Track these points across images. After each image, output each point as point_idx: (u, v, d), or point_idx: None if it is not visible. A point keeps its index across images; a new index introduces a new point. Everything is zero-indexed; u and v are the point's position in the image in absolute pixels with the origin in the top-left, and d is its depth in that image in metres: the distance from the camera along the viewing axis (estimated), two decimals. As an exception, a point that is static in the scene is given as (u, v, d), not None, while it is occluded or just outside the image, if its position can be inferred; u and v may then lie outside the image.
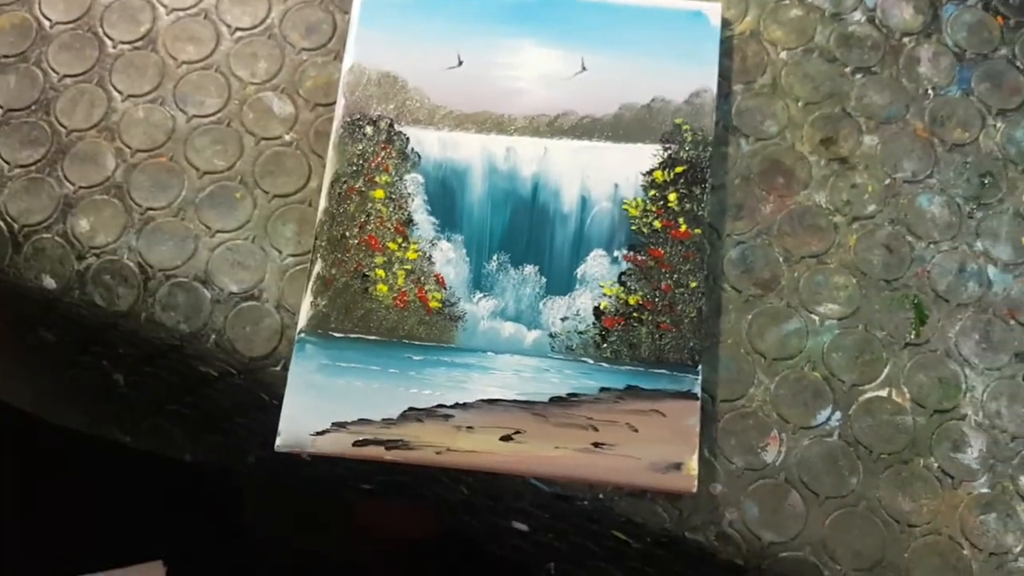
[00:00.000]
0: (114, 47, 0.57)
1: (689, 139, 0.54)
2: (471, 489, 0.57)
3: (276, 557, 0.91)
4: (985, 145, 0.56)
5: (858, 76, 0.57)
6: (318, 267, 0.52)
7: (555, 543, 0.59)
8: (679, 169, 0.53)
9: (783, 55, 0.58)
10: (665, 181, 0.53)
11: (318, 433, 0.49)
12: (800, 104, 0.57)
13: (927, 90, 0.57)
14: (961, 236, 0.54)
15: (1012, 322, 0.53)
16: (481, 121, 0.55)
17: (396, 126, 0.54)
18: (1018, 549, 0.49)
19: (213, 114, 0.56)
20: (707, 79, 0.55)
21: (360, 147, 0.54)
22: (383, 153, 0.54)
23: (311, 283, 0.52)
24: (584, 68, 0.55)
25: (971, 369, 0.52)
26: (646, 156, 0.54)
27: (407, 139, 0.54)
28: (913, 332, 0.53)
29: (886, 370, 0.52)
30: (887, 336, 0.52)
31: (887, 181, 0.55)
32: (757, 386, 0.52)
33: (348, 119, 0.54)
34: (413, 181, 0.54)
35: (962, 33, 0.58)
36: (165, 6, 0.58)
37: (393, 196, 0.53)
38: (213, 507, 0.92)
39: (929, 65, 0.58)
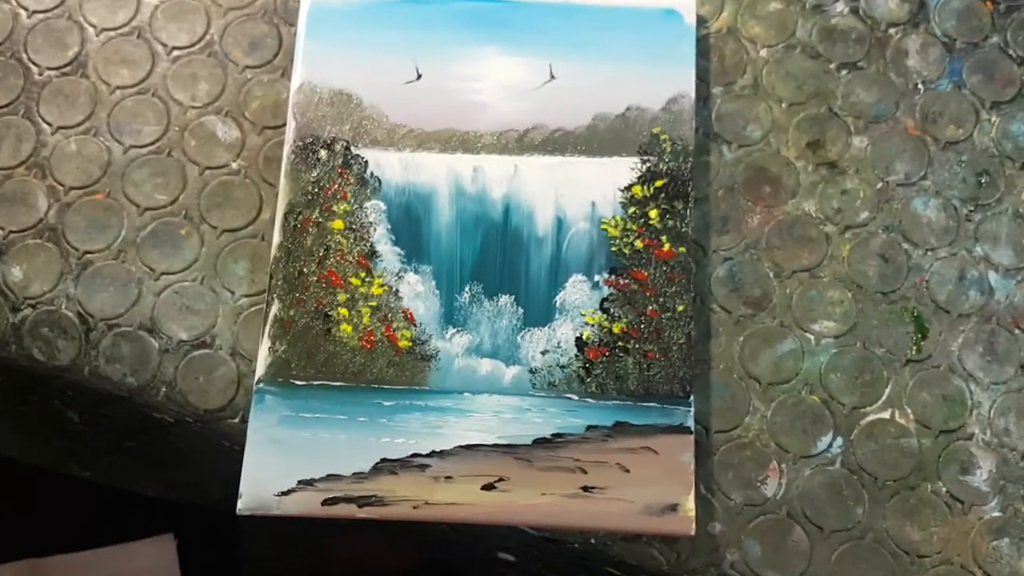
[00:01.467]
0: (40, 74, 0.52)
1: (668, 149, 0.50)
2: (452, 527, 0.53)
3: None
4: (980, 141, 0.53)
5: (843, 72, 0.54)
6: (275, 308, 0.48)
7: (545, 572, 0.56)
8: (659, 183, 0.50)
9: (763, 53, 0.54)
10: (645, 196, 0.50)
11: (283, 493, 0.45)
12: (784, 105, 0.53)
13: (917, 84, 0.54)
14: (959, 241, 0.51)
15: (1017, 331, 0.50)
16: (445, 139, 0.51)
17: (353, 148, 0.50)
18: (1034, 575, 0.46)
19: (152, 143, 0.51)
20: (684, 83, 0.51)
21: (315, 173, 0.50)
22: (340, 179, 0.50)
23: (268, 326, 0.47)
24: (553, 76, 0.51)
25: (976, 384, 0.49)
26: (623, 170, 0.50)
27: (365, 163, 0.50)
28: (914, 347, 0.49)
29: (887, 390, 0.49)
30: (887, 353, 0.49)
31: (879, 185, 0.52)
32: (753, 414, 0.48)
33: (300, 143, 0.50)
34: (374, 209, 0.49)
35: (951, 21, 0.55)
36: (94, 26, 0.53)
37: (353, 226, 0.49)
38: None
39: (918, 57, 0.54)
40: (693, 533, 0.45)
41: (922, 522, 0.47)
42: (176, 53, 0.53)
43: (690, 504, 0.45)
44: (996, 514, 0.47)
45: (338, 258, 0.49)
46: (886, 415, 0.48)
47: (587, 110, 0.51)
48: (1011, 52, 0.54)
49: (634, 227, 0.49)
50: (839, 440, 0.48)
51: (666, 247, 0.49)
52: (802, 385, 0.49)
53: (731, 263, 0.51)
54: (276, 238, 0.49)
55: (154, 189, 0.51)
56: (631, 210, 0.49)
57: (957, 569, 0.47)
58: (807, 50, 0.54)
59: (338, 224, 0.49)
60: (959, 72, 0.54)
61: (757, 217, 0.51)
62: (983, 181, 0.52)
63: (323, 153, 0.50)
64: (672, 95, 0.51)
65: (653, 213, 0.49)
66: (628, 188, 0.50)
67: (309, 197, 0.49)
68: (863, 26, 0.54)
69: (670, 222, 0.49)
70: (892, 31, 0.54)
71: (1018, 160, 0.52)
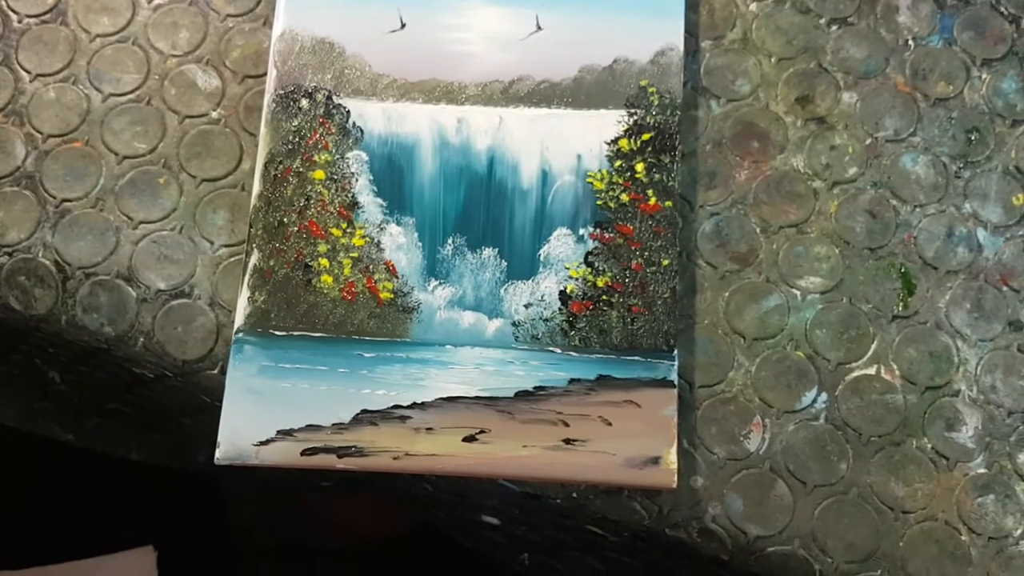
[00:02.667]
0: (19, 21, 0.52)
1: (656, 103, 0.49)
2: (435, 487, 0.53)
3: (263, 544, 0.87)
4: (970, 99, 0.52)
5: (834, 28, 0.53)
6: (255, 258, 0.47)
7: (528, 535, 0.56)
8: (646, 136, 0.49)
9: (753, 7, 0.53)
10: (632, 150, 0.49)
11: (262, 443, 0.44)
12: (773, 60, 0.52)
13: (907, 40, 0.53)
14: (948, 198, 0.51)
15: (1005, 288, 0.49)
16: (429, 90, 0.50)
17: (335, 98, 0.49)
18: (1018, 532, 0.46)
19: (131, 92, 0.50)
20: (673, 36, 0.50)
21: (296, 123, 0.49)
22: (322, 129, 0.49)
23: (247, 276, 0.47)
24: (539, 27, 0.50)
25: (963, 341, 0.49)
26: (610, 123, 0.49)
27: (348, 112, 0.49)
28: (901, 304, 0.49)
29: (873, 346, 0.48)
30: (873, 309, 0.49)
31: (868, 141, 0.51)
32: (737, 369, 0.48)
33: (281, 92, 0.49)
34: (356, 159, 0.49)
35: (943, -22, 0.54)
36: (74, -27, 0.52)
37: (335, 177, 0.48)
38: (201, 491, 0.88)
39: (909, 13, 0.53)
40: (675, 486, 0.44)
41: (907, 478, 0.47)
42: (157, 1, 0.52)
43: (672, 457, 0.44)
44: (981, 471, 0.47)
45: (319, 208, 0.48)
46: (871, 371, 0.48)
47: (574, 62, 0.50)
48: (1002, 9, 0.54)
49: (620, 180, 0.48)
50: (823, 395, 0.48)
51: (652, 201, 0.48)
52: (787, 341, 0.48)
53: (718, 218, 0.50)
54: (256, 187, 0.48)
55: (133, 138, 0.50)
56: (617, 163, 0.49)
57: (941, 525, 0.46)
58: (797, 4, 0.53)
59: (319, 174, 0.48)
60: (950, 29, 0.53)
61: (745, 172, 0.51)
62: (973, 138, 0.52)
63: (304, 102, 0.49)
64: (660, 47, 0.50)
65: (639, 167, 0.49)
66: (615, 141, 0.49)
67: (290, 147, 0.48)
68: (854, -19, 0.54)
69: (656, 176, 0.49)
70: (883, -13, 0.54)
71: (1008, 118, 0.52)
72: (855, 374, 0.48)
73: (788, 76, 0.52)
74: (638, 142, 0.49)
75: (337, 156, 0.49)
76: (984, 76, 0.53)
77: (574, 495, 0.47)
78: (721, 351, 0.48)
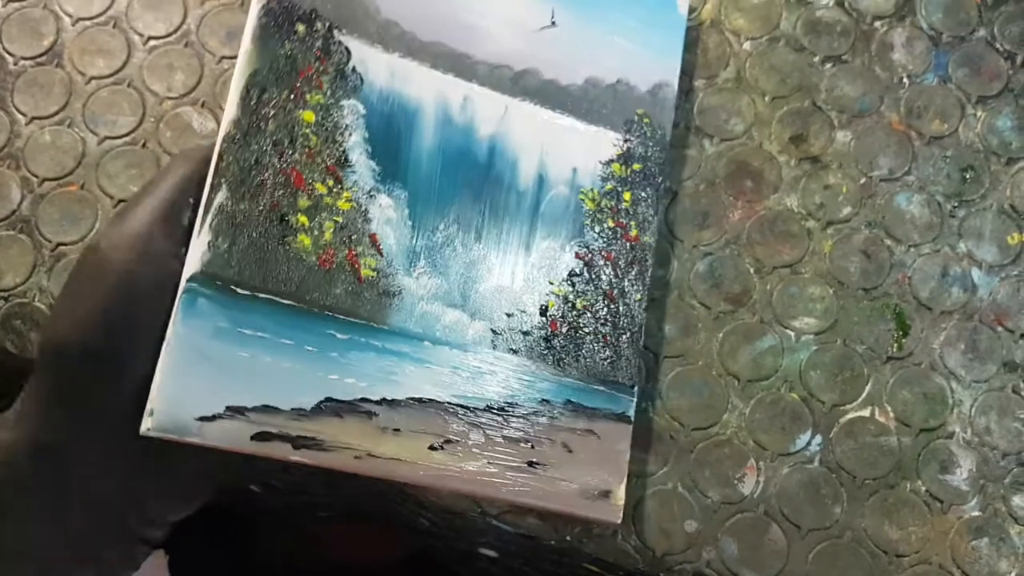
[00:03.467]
0: (15, 63, 0.52)
1: (649, 135, 0.49)
2: (431, 522, 0.53)
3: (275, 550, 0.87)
4: (965, 136, 0.52)
5: (828, 66, 0.53)
6: (221, 196, 0.41)
7: (525, 569, 0.56)
8: (636, 166, 0.48)
9: (747, 46, 0.53)
10: (623, 177, 0.48)
11: (206, 418, 0.38)
12: (767, 99, 0.52)
13: (902, 78, 0.53)
14: (943, 237, 0.51)
15: (1000, 328, 0.49)
16: (437, 55, 0.46)
17: (336, 33, 0.44)
18: (1012, 575, 0.46)
19: (127, 134, 0.51)
20: (670, 73, 0.50)
21: (288, 48, 0.43)
22: (317, 64, 0.44)
23: (210, 216, 0.41)
24: (554, 23, 0.49)
25: (958, 382, 0.49)
26: (607, 143, 0.48)
27: (348, 53, 0.45)
28: (895, 345, 0.49)
29: (868, 387, 0.48)
30: (868, 350, 0.49)
31: (862, 180, 0.51)
32: (731, 411, 0.48)
33: (274, 4, 0.43)
34: (352, 110, 0.44)
35: (937, 15, 0.54)
36: (70, 15, 0.52)
37: (326, 124, 0.43)
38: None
39: (903, 51, 0.53)
40: (619, 522, 0.44)
41: (901, 521, 0.47)
42: (152, 43, 0.52)
43: (621, 493, 0.44)
44: (976, 513, 0.47)
45: (304, 155, 0.43)
46: (866, 413, 0.48)
47: (581, 70, 0.49)
48: (998, 46, 0.54)
49: (608, 205, 0.48)
50: (818, 438, 0.48)
51: (633, 232, 0.48)
52: (781, 382, 0.48)
53: (711, 258, 0.50)
54: (231, 112, 0.42)
55: (129, 180, 0.50)
56: (608, 187, 0.48)
57: (936, 569, 0.46)
58: (791, 43, 0.53)
59: (308, 116, 0.43)
60: (945, 66, 0.53)
61: (738, 212, 0.51)
62: (968, 177, 0.51)
63: (300, 27, 0.44)
64: (658, 80, 0.50)
65: (627, 196, 0.48)
66: (609, 163, 0.48)
67: (277, 74, 0.43)
68: (848, 19, 0.54)
69: (640, 209, 0.48)
70: (878, 24, 0.54)
71: (1003, 155, 0.52)
72: (849, 416, 0.48)
73: (782, 115, 0.52)
74: (629, 170, 0.48)
75: (331, 100, 0.44)
76: (979, 114, 0.52)
77: (567, 538, 0.47)
78: (715, 393, 0.48)
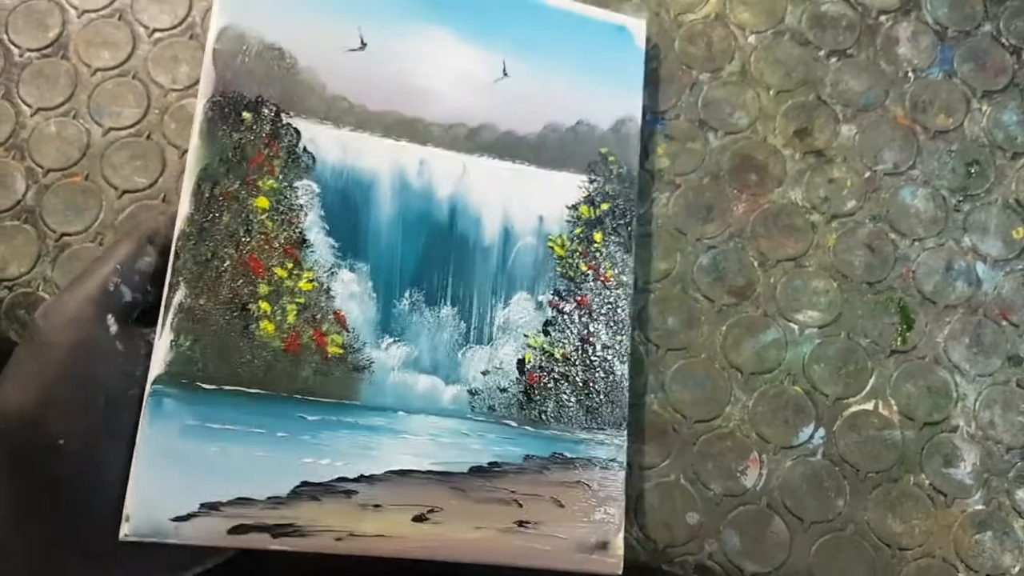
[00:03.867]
0: (21, 55, 0.52)
1: (615, 172, 0.48)
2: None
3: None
4: (970, 131, 0.52)
5: (833, 60, 0.53)
6: (180, 294, 0.41)
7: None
8: (604, 206, 0.48)
9: (751, 39, 0.53)
10: (591, 218, 0.47)
11: (181, 518, 0.38)
12: (772, 92, 0.52)
13: (907, 73, 0.53)
14: (947, 231, 0.50)
15: (1004, 323, 0.49)
16: (389, 123, 0.46)
17: (284, 116, 0.44)
18: (1016, 569, 0.46)
19: (132, 126, 0.51)
20: (631, 107, 0.49)
21: (235, 138, 0.43)
22: (267, 150, 0.44)
23: (171, 315, 0.41)
24: (506, 74, 0.48)
25: (962, 376, 0.48)
26: (572, 187, 0.47)
27: (298, 134, 0.44)
28: (899, 338, 0.49)
29: (871, 381, 0.48)
30: (871, 344, 0.49)
31: (867, 174, 0.51)
32: (734, 404, 0.48)
33: (219, 98, 0.44)
34: (306, 190, 0.44)
35: (943, 9, 0.54)
36: (75, 7, 0.52)
37: (280, 207, 0.43)
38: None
39: (909, 45, 0.53)
40: (620, 573, 0.43)
41: (904, 515, 0.47)
42: (158, 35, 0.52)
43: (619, 543, 0.43)
44: (979, 507, 0.47)
45: (261, 242, 0.43)
46: (869, 406, 0.48)
47: (539, 117, 0.48)
48: (1003, 40, 0.53)
49: (579, 248, 0.47)
50: (821, 431, 0.47)
51: (608, 273, 0.47)
52: (785, 375, 0.48)
53: (715, 251, 0.50)
54: (185, 208, 0.42)
55: (133, 172, 0.50)
56: (577, 230, 0.47)
57: (939, 562, 0.46)
58: (796, 37, 0.53)
59: (263, 202, 0.43)
60: (950, 60, 0.53)
61: (742, 205, 0.51)
62: (973, 171, 0.51)
63: (247, 115, 0.44)
64: (621, 116, 0.49)
65: (597, 236, 0.47)
66: (575, 207, 0.47)
67: (228, 165, 0.43)
68: (853, 13, 0.54)
69: (613, 248, 0.47)
70: (883, 18, 0.54)
71: (1008, 150, 0.52)
72: (853, 409, 0.48)
73: (787, 109, 0.52)
74: (597, 211, 0.48)
75: (284, 184, 0.44)
76: (984, 108, 0.52)
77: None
78: (718, 386, 0.48)
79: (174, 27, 0.52)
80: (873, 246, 0.50)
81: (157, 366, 0.40)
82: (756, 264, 0.50)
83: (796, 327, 0.49)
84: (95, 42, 0.52)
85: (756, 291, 0.49)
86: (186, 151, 0.50)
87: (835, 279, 0.50)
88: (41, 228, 0.49)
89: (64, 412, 0.38)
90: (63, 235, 0.49)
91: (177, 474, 0.39)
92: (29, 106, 0.51)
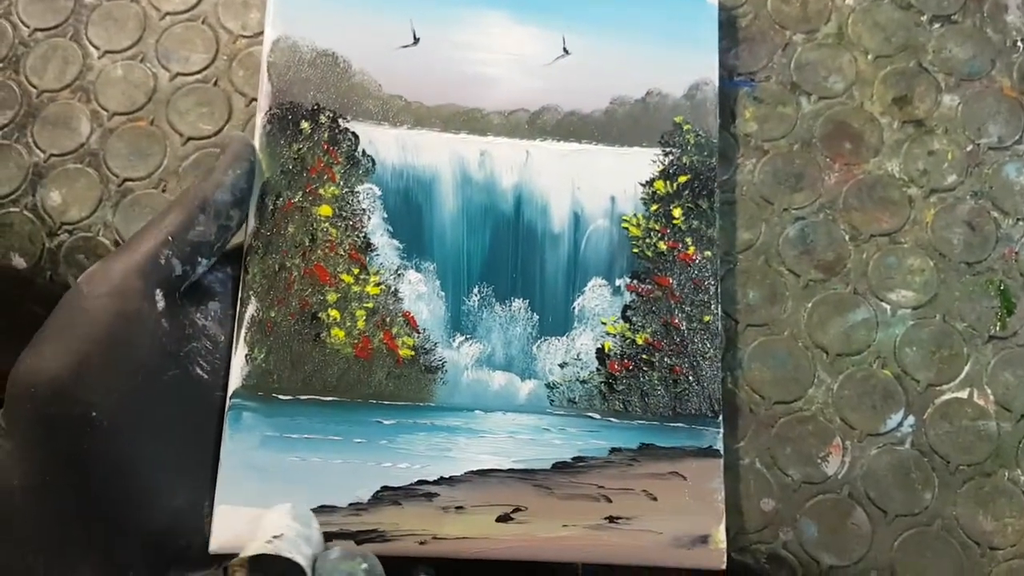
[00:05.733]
0: (90, -5, 0.51)
1: (692, 141, 0.45)
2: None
3: None
4: (1085, 105, 0.48)
5: (936, 25, 0.50)
6: (252, 308, 0.41)
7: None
8: (683, 179, 0.45)
9: (849, 1, 0.50)
10: (668, 193, 0.45)
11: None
12: (870, 57, 0.49)
13: (1016, 42, 0.49)
14: (1056, 212, 0.47)
15: (1115, 312, 0.46)
16: (447, 117, 0.45)
17: (341, 121, 0.44)
18: (1119, 577, 0.43)
19: (199, 71, 0.49)
20: (707, 70, 0.46)
21: (296, 148, 0.43)
22: (327, 157, 0.44)
23: (244, 330, 0.41)
24: (566, 51, 0.46)
25: (1066, 367, 0.45)
26: (645, 162, 0.45)
27: (356, 139, 0.44)
28: (998, 324, 0.46)
29: (967, 368, 0.45)
30: (968, 328, 0.46)
31: (969, 147, 0.48)
32: (817, 386, 0.45)
33: (277, 111, 0.44)
34: (368, 194, 0.44)
35: (1059, -26, 0.50)
36: (146, -52, 0.51)
37: (344, 213, 0.43)
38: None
39: (1019, 12, 0.50)
40: (724, 567, 0.41)
41: (996, 512, 0.44)
42: (229, -21, 0.51)
43: (721, 535, 0.41)
44: (1080, 509, 0.43)
45: (327, 250, 0.43)
46: (963, 395, 0.45)
47: (604, 92, 0.46)
48: (1125, 9, 0.50)
49: (657, 227, 0.44)
50: (911, 419, 0.44)
51: (691, 250, 0.44)
52: (874, 358, 0.45)
53: (803, 223, 0.47)
54: (251, 223, 0.42)
55: (199, 119, 0.49)
56: (653, 207, 0.45)
57: (1033, 565, 0.43)
58: (897, 0, 0.50)
59: (325, 210, 0.43)
60: (1066, 29, 0.49)
61: (835, 175, 0.48)
62: (1086, 148, 0.48)
63: (305, 125, 0.44)
64: (695, 81, 0.46)
65: (677, 212, 0.45)
66: (650, 183, 0.45)
67: (290, 177, 0.43)
68: (961, -24, 0.50)
69: (695, 223, 0.45)
70: (993, -18, 0.50)
71: None
72: (945, 397, 0.45)
73: (885, 75, 0.49)
74: (675, 185, 0.45)
75: (346, 189, 0.43)
76: (1101, 81, 0.49)
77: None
78: (800, 366, 0.45)
79: (246, -29, 0.51)
80: (973, 224, 0.47)
81: (234, 380, 0.40)
82: (847, 238, 0.47)
83: (888, 307, 0.46)
84: (165, -16, 0.51)
85: (846, 267, 0.46)
86: (254, 99, 0.48)
87: (931, 257, 0.46)
88: (104, 172, 0.48)
89: (98, 386, 0.36)
90: (126, 180, 0.48)
91: (259, 485, 0.39)
92: (97, 48, 0.50)
